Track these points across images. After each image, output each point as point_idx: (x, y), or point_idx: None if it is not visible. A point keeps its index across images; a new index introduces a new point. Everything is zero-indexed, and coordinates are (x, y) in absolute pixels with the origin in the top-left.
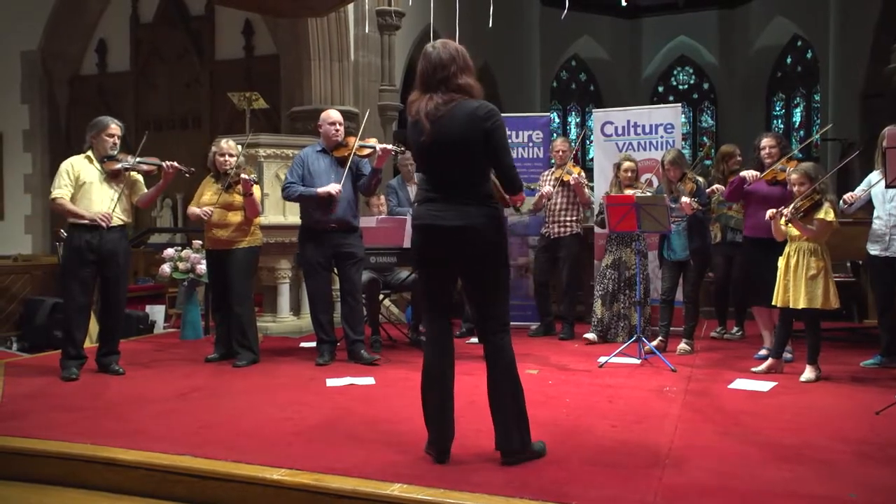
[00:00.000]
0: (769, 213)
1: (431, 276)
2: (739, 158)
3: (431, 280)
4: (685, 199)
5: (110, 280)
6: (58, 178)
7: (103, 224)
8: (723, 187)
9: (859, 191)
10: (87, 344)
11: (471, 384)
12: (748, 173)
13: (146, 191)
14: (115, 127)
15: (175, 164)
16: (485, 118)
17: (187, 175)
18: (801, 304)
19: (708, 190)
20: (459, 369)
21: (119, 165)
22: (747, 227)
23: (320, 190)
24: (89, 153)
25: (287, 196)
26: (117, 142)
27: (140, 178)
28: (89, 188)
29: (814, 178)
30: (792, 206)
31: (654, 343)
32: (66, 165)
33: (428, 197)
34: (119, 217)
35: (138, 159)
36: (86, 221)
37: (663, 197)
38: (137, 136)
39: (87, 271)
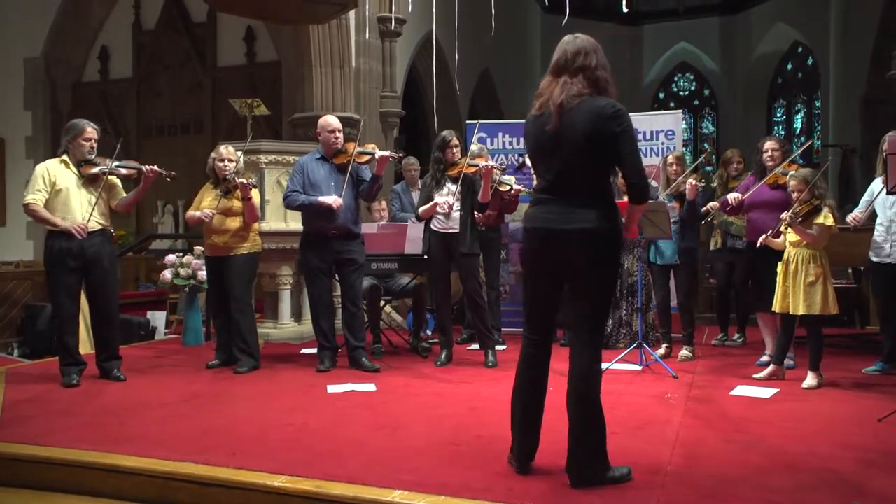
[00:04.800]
0: (760, 239)
1: (544, 284)
2: (739, 165)
3: (542, 289)
4: (691, 181)
5: (97, 285)
6: (32, 183)
7: (78, 236)
8: (716, 204)
9: (863, 203)
10: (83, 350)
11: (470, 391)
12: (731, 196)
13: (125, 195)
14: (91, 130)
15: (155, 167)
16: (612, 118)
17: (168, 179)
18: (801, 311)
19: (703, 209)
20: (459, 377)
21: (97, 169)
22: (750, 231)
23: (322, 199)
24: (65, 157)
25: (289, 205)
26: (94, 145)
27: (118, 182)
28: (66, 193)
29: (812, 183)
30: (791, 211)
31: (661, 351)
32: (41, 170)
33: (543, 199)
34: (98, 221)
35: (116, 163)
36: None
37: (664, 203)
38: (139, 142)
39: (72, 278)
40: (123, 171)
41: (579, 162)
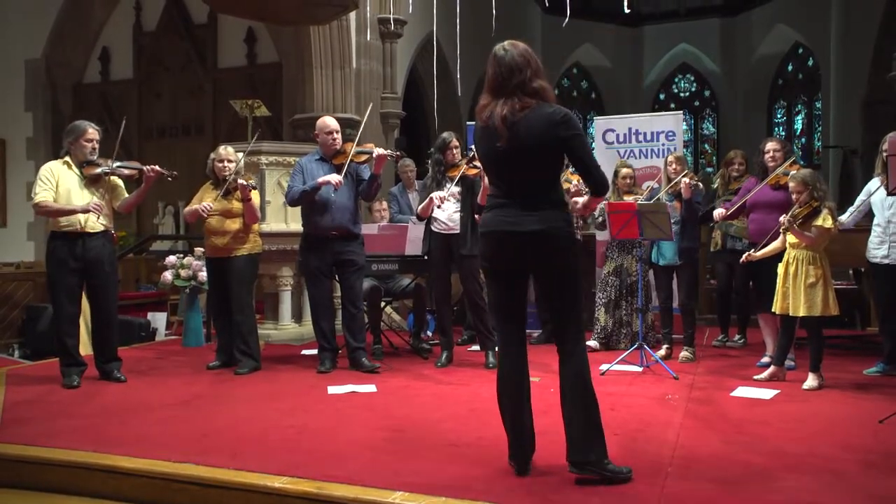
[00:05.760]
0: (744, 257)
1: (506, 285)
2: (741, 166)
3: (506, 290)
4: (685, 180)
5: (98, 287)
6: (38, 183)
7: (97, 211)
8: (722, 210)
9: (858, 202)
10: (82, 351)
11: (470, 392)
12: (716, 213)
13: (127, 196)
14: (92, 131)
15: (156, 167)
16: (562, 123)
17: (169, 179)
18: (801, 312)
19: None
20: (459, 378)
21: (99, 170)
22: (752, 232)
23: (321, 179)
24: (67, 159)
25: (290, 199)
26: (96, 146)
27: (121, 183)
28: (68, 194)
29: (811, 185)
30: (789, 214)
31: (661, 353)
32: (45, 171)
33: (498, 203)
34: (101, 223)
35: (118, 164)
36: (74, 228)
37: (665, 204)
38: (140, 143)
39: (73, 280)
40: (125, 171)
41: (531, 169)
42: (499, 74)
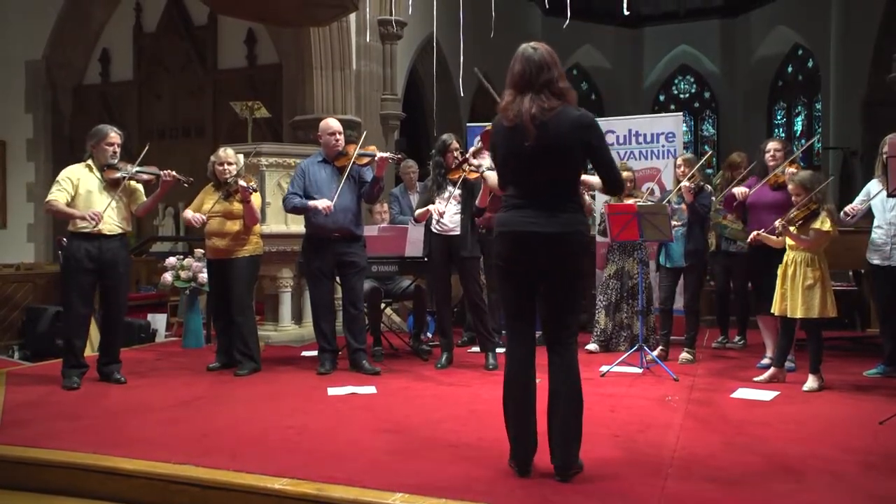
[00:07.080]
0: (753, 235)
1: (519, 285)
2: (747, 171)
3: (517, 289)
4: (685, 184)
5: (110, 289)
6: (55, 184)
7: (92, 222)
8: (745, 189)
9: (858, 201)
10: (88, 352)
11: (471, 393)
12: (738, 190)
13: (145, 199)
14: (114, 135)
15: (173, 173)
16: (589, 127)
17: (185, 185)
18: (799, 314)
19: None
20: (459, 379)
21: (119, 174)
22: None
23: (311, 203)
24: (89, 162)
25: (286, 207)
26: (117, 150)
27: (140, 187)
28: (88, 197)
29: (810, 188)
30: (785, 217)
31: (656, 352)
32: (66, 173)
33: (516, 204)
34: (118, 225)
35: (137, 168)
36: (84, 226)
37: (665, 206)
38: (141, 144)
39: (86, 280)
40: (144, 176)
41: (556, 170)
42: (527, 71)
